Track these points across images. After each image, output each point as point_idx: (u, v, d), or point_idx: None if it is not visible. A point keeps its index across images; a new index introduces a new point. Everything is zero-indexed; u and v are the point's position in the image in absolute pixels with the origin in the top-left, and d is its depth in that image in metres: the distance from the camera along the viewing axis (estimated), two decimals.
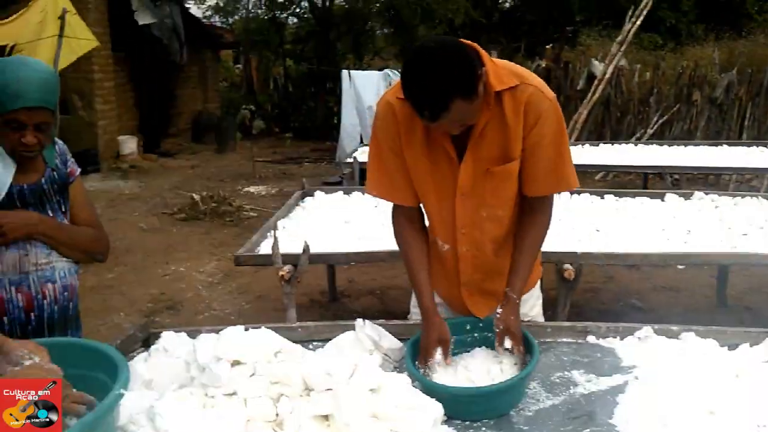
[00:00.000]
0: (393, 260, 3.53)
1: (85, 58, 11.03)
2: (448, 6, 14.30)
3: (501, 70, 1.98)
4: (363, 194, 5.03)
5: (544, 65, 11.28)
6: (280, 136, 15.43)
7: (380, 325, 2.27)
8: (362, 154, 6.88)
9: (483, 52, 1.94)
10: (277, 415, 1.67)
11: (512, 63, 2.09)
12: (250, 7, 16.15)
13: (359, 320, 2.25)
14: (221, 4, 16.51)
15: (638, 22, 9.90)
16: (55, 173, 2.15)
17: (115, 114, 12.36)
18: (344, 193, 5.07)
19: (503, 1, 21.83)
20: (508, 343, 2.03)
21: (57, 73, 2.09)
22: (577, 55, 13.81)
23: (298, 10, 16.11)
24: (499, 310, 2.08)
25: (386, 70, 9.70)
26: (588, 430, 1.80)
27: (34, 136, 1.96)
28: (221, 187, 9.99)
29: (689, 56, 17.53)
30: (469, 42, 1.93)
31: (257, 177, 11.26)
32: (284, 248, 3.57)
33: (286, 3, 15.73)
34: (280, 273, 3.50)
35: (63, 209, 2.16)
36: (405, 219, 2.24)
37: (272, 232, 3.93)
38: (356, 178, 6.31)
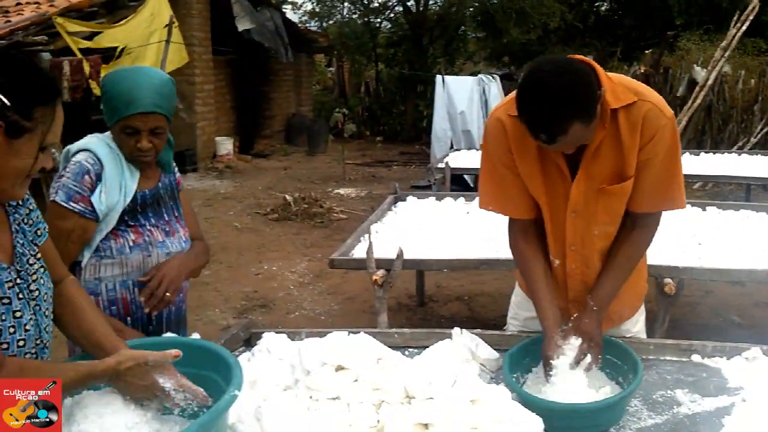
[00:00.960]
0: (484, 268, 3.52)
1: (187, 63, 11.52)
2: (543, 10, 14.10)
3: (617, 86, 1.95)
4: (455, 200, 5.05)
5: (642, 71, 10.98)
6: (370, 139, 15.59)
7: (477, 335, 2.27)
8: (454, 160, 6.89)
9: (600, 70, 1.90)
10: (378, 421, 1.69)
11: (629, 78, 2.06)
12: (345, 12, 16.37)
13: (456, 329, 2.26)
14: (317, 9, 16.79)
15: (744, 27, 9.51)
16: (167, 179, 2.25)
17: (213, 116, 12.77)
18: (436, 199, 5.09)
19: (600, 5, 21.33)
20: (587, 359, 1.98)
21: (172, 80, 2.17)
22: (677, 60, 13.38)
23: (392, 15, 16.20)
24: (576, 316, 2.06)
25: (480, 76, 9.66)
26: None
27: (149, 141, 2.05)
28: (312, 189, 10.17)
29: None
30: (585, 60, 1.90)
31: (347, 179, 11.42)
32: (378, 253, 3.62)
33: (381, 8, 15.85)
34: (374, 277, 3.54)
35: (176, 214, 2.25)
36: (520, 233, 2.22)
37: (366, 236, 3.98)
38: (447, 184, 6.32)
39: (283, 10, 14.74)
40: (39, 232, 1.60)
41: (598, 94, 1.83)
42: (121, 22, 9.10)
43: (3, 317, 1.42)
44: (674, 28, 21.20)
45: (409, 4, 15.41)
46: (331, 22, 17.11)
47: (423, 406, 1.71)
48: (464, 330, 2.26)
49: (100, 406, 1.49)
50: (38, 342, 1.53)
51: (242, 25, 12.28)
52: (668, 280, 3.36)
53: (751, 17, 9.43)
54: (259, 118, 14.61)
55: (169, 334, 2.05)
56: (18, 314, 1.45)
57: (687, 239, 4.07)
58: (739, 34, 9.81)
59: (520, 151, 2.07)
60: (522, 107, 1.84)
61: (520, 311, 2.51)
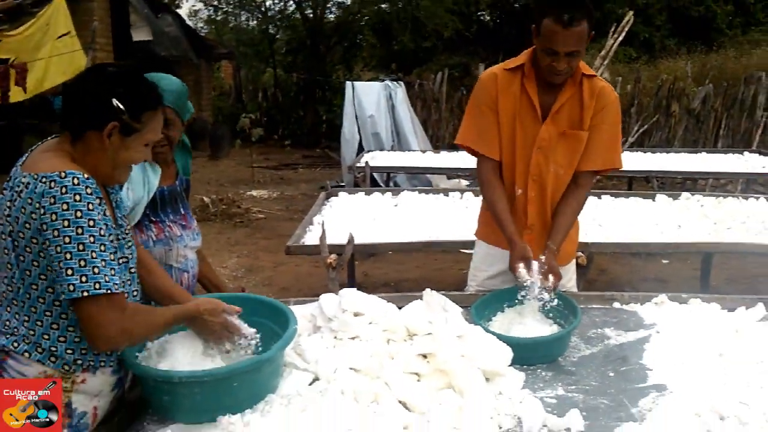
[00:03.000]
0: (427, 249, 4.00)
1: None
2: (436, 20, 14.85)
3: (584, 65, 2.62)
4: (383, 195, 5.53)
5: None
6: (271, 143, 15.86)
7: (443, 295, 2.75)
8: (373, 159, 7.39)
9: None
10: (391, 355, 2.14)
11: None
12: (242, 19, 16.57)
13: (427, 290, 2.71)
14: (215, 18, 16.91)
15: (620, 38, 10.48)
16: (183, 179, 2.59)
17: None
18: (365, 194, 5.56)
19: (482, 15, 22.44)
20: (551, 280, 2.52)
21: (182, 84, 2.53)
22: None
23: (289, 22, 16.53)
24: (542, 257, 2.59)
25: (386, 82, 10.21)
26: (623, 368, 2.30)
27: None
28: (224, 191, 10.40)
29: (663, 69, 18.31)
30: None
31: (256, 182, 11.69)
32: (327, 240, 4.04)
33: (278, 15, 16.16)
34: (328, 261, 3.96)
35: (188, 210, 2.59)
36: (489, 170, 2.78)
37: (314, 226, 4.40)
38: (367, 182, 6.80)
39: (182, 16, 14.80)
40: (124, 207, 1.97)
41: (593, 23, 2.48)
42: (16, 31, 8.93)
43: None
44: None
45: (307, 12, 15.78)
46: (228, 28, 17.20)
47: (422, 340, 2.17)
48: (433, 291, 2.73)
49: (183, 345, 1.88)
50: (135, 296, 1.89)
51: (138, 36, 12.30)
52: (580, 254, 3.96)
53: (627, 28, 10.40)
54: None
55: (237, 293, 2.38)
56: (132, 270, 1.81)
57: (588, 222, 4.72)
58: (616, 44, 10.79)
59: (504, 95, 2.66)
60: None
61: (478, 273, 3.04)
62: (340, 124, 15.50)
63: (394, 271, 6.50)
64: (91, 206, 1.62)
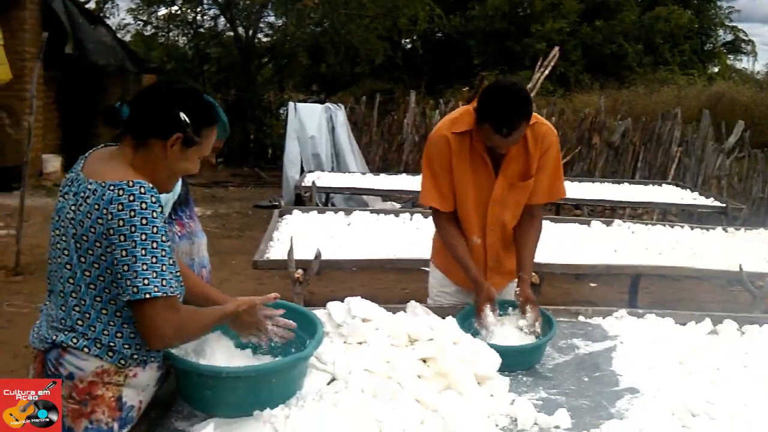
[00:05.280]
0: (387, 266, 4.20)
1: (18, 77, 11.18)
2: (369, 46, 15.18)
3: None
4: (335, 214, 5.70)
5: (460, 105, 12.24)
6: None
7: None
8: (319, 179, 7.55)
9: None
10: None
11: None
12: (172, 36, 16.45)
13: (412, 302, 2.92)
14: (145, 33, 16.74)
15: (546, 71, 11.02)
16: (186, 181, 2.72)
17: (41, 132, 12.40)
18: (318, 213, 5.71)
19: (405, 43, 23.02)
20: (530, 310, 2.77)
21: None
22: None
23: (219, 41, 16.51)
24: (517, 289, 2.85)
25: (327, 104, 10.42)
26: (596, 374, 2.56)
27: None
28: None
29: (578, 102, 19.22)
30: None
31: None
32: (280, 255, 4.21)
33: (210, 33, 16.13)
34: (296, 276, 4.10)
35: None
36: (447, 221, 3.03)
37: (275, 242, 4.53)
38: (314, 201, 6.95)
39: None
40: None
41: (532, 105, 2.71)
42: None
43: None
44: (473, 67, 23.42)
45: (238, 30, 15.82)
46: (158, 42, 17.03)
47: (424, 345, 2.36)
48: (417, 303, 2.93)
49: (219, 343, 2.02)
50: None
51: (70, 49, 12.12)
52: (534, 274, 4.24)
53: (553, 63, 10.96)
54: (86, 136, 14.28)
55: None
56: (178, 274, 1.93)
57: None
58: (542, 77, 11.34)
59: (458, 158, 2.89)
60: (487, 111, 2.65)
61: (442, 288, 3.26)
62: (270, 143, 15.71)
63: (340, 290, 6.64)
64: (155, 214, 1.75)
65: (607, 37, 24.08)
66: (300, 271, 4.13)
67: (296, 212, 5.66)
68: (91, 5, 15.52)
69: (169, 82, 1.97)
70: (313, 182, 7.12)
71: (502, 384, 2.39)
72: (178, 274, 1.88)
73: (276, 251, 4.53)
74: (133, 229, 1.72)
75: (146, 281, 1.72)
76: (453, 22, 22.91)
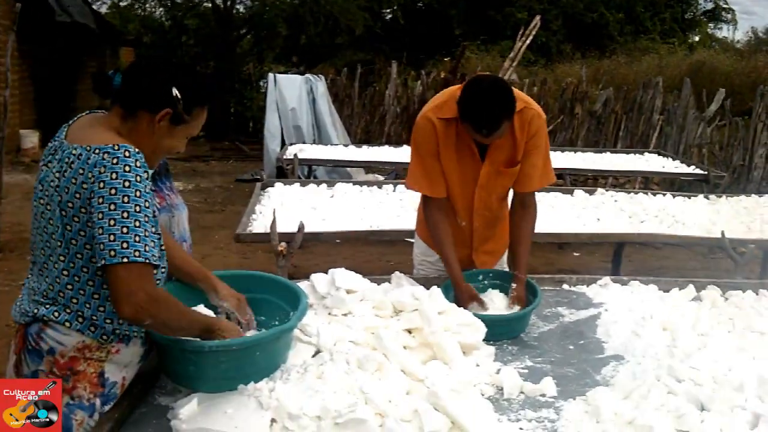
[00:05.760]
0: (372, 238, 4.17)
1: None
2: (349, 16, 15.02)
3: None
4: (318, 186, 5.66)
5: (442, 76, 12.19)
6: None
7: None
8: (302, 152, 7.49)
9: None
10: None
11: (518, 90, 2.84)
12: (149, 7, 16.17)
13: (396, 272, 2.90)
14: (121, 4, 16.45)
15: (528, 41, 10.96)
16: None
17: (18, 108, 12.21)
18: (300, 185, 5.66)
19: (385, 13, 22.81)
20: (517, 307, 2.75)
21: None
22: (462, 67, 14.87)
23: (199, 11, 16.26)
24: (513, 286, 2.81)
25: (307, 75, 10.29)
26: (581, 341, 2.56)
27: None
28: None
29: (560, 72, 19.20)
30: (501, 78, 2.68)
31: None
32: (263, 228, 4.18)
33: (187, 4, 15.87)
34: (279, 248, 4.06)
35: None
36: (436, 207, 2.96)
37: (257, 215, 4.49)
38: (296, 173, 6.90)
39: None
40: None
41: (515, 100, 2.61)
42: None
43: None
44: (454, 37, 23.27)
45: (216, 1, 15.58)
46: (134, 14, 16.75)
47: (409, 316, 2.35)
48: (401, 273, 2.91)
49: None
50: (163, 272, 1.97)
51: (65, 17, 11.93)
52: None
53: (534, 32, 10.89)
54: (62, 111, 14.08)
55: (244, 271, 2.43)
56: (162, 248, 1.89)
57: None
58: (524, 47, 11.29)
59: (444, 144, 2.82)
60: (469, 111, 2.59)
61: (426, 258, 3.23)
62: (250, 116, 15.57)
63: (323, 263, 6.61)
64: (138, 178, 1.70)
65: (587, 5, 24.03)
66: (283, 244, 4.09)
67: (278, 185, 5.61)
68: None
69: (166, 56, 1.92)
70: (295, 155, 7.05)
71: (487, 353, 2.39)
72: (162, 247, 1.83)
73: (258, 224, 4.49)
74: (113, 191, 1.66)
75: (125, 245, 1.64)
76: None
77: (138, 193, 1.69)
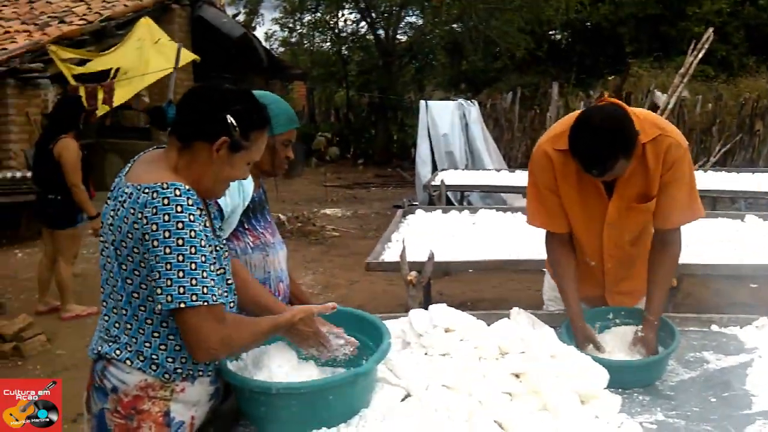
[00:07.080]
0: (508, 267, 3.94)
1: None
2: (509, 39, 14.79)
3: (644, 122, 2.41)
4: (460, 213, 5.50)
5: (605, 96, 11.63)
6: (343, 162, 16.03)
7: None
8: (448, 178, 7.37)
9: (629, 110, 2.35)
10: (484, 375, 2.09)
11: (652, 114, 2.53)
12: (317, 41, 16.85)
13: (515, 308, 2.67)
14: (292, 40, 17.28)
15: (700, 56, 10.20)
16: (263, 187, 2.59)
17: None
18: (442, 212, 5.53)
19: (554, 34, 22.28)
20: (640, 350, 2.42)
21: None
22: (630, 85, 14.13)
23: (362, 44, 16.73)
24: (639, 328, 2.47)
25: (460, 101, 10.21)
26: (726, 393, 2.20)
27: None
28: (298, 210, 10.53)
29: (743, 87, 17.78)
30: (619, 104, 2.36)
31: (329, 200, 11.82)
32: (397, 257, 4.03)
33: (351, 37, 16.38)
34: (409, 278, 3.94)
35: (272, 219, 2.60)
36: (558, 243, 2.68)
37: (393, 243, 4.40)
38: (443, 200, 6.77)
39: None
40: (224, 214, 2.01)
41: (636, 134, 2.29)
42: (111, 49, 9.39)
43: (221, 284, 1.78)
44: (624, 55, 22.27)
45: (378, 33, 15.94)
46: (303, 48, 17.54)
47: (515, 359, 2.12)
48: (521, 309, 2.67)
49: (278, 356, 1.88)
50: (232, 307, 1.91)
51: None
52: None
53: (706, 46, 10.12)
54: None
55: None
56: (230, 282, 1.83)
57: None
58: (696, 61, 10.52)
59: (563, 177, 2.53)
60: (577, 149, 2.29)
61: (555, 293, 2.95)
62: (412, 143, 15.71)
63: (470, 291, 6.44)
64: (192, 217, 1.64)
65: None
66: (414, 273, 3.97)
67: (419, 212, 5.51)
68: (240, 18, 16.21)
69: (218, 84, 1.86)
70: (442, 181, 6.93)
71: (611, 404, 2.09)
72: (229, 282, 1.75)
73: (392, 253, 4.39)
74: (167, 234, 1.62)
75: (181, 289, 1.61)
76: (602, 10, 21.89)
77: (193, 234, 1.64)
